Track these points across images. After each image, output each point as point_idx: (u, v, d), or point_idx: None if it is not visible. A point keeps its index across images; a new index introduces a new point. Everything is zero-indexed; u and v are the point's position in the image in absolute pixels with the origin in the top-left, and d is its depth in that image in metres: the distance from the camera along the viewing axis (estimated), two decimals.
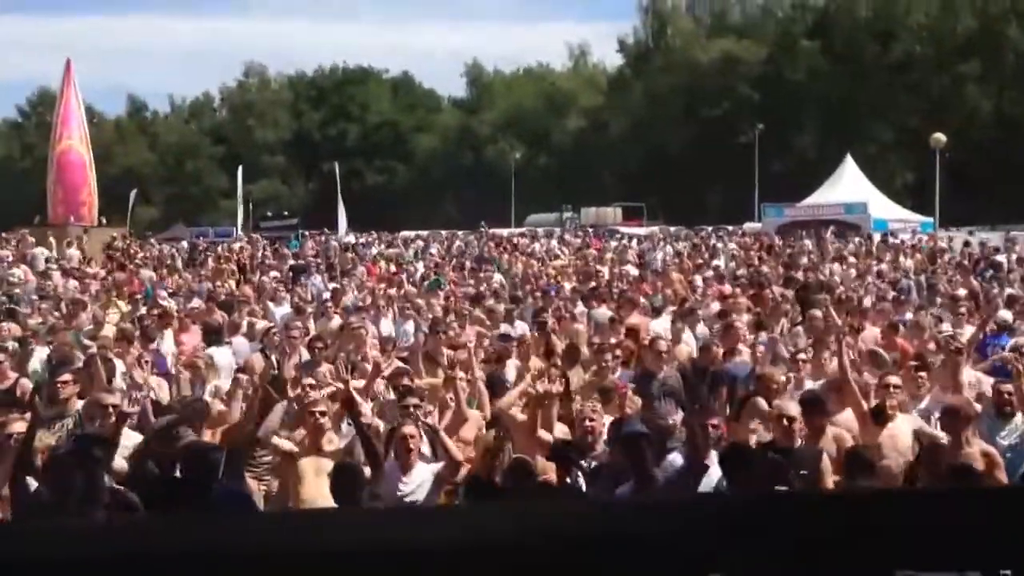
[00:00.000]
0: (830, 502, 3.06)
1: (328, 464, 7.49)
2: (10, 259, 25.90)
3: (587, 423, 7.98)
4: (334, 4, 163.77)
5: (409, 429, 7.48)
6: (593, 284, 19.01)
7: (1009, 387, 8.36)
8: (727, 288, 17.68)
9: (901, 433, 7.94)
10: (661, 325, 13.45)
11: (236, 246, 31.52)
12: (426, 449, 7.89)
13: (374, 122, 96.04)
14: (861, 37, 67.35)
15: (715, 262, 24.00)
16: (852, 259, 24.62)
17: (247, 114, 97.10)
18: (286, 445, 7.99)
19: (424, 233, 43.61)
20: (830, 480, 7.28)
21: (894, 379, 8.49)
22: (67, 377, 9.12)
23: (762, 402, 8.61)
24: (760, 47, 72.65)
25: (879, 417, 8.02)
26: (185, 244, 36.11)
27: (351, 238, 39.63)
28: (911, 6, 67.30)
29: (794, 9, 75.55)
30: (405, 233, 43.76)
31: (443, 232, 45.46)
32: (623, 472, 7.02)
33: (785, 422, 7.58)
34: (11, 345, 11.99)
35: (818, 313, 12.24)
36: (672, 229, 43.60)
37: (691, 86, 72.90)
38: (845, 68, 66.77)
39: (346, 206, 52.30)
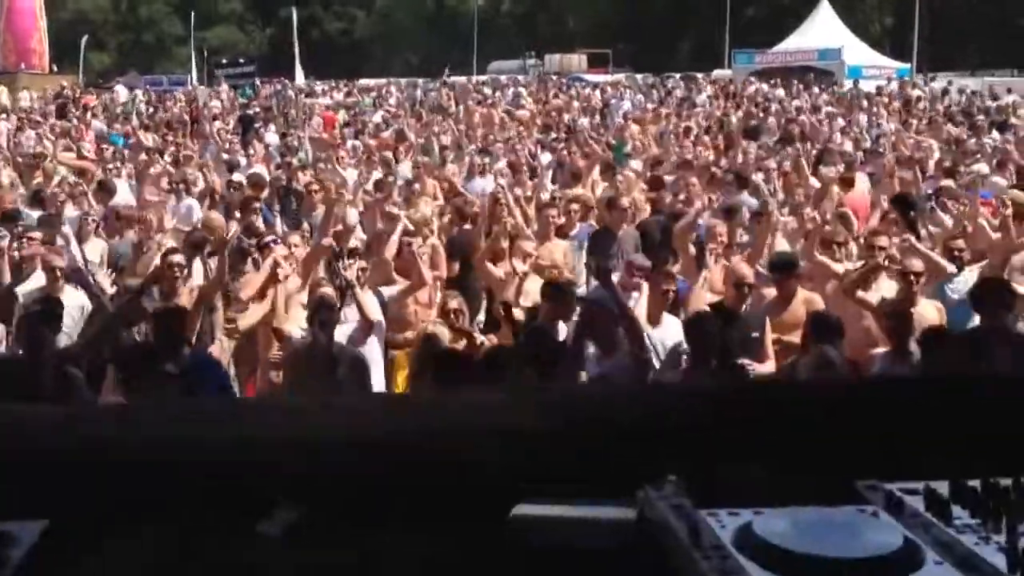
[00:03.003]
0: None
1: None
2: None
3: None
4: None
5: (325, 291, 7.32)
6: (555, 135, 18.69)
7: (960, 242, 8.37)
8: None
9: (886, 295, 7.68)
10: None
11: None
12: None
13: None
14: None
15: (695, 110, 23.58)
16: (828, 108, 24.21)
17: None
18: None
19: (382, 82, 42.57)
20: (769, 345, 7.30)
21: (881, 239, 8.23)
22: (36, 235, 9.09)
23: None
24: None
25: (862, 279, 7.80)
26: (140, 94, 35.03)
27: (319, 87, 38.64)
28: None
29: None
30: (363, 81, 42.76)
31: (402, 80, 44.56)
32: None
33: (738, 285, 7.54)
34: None
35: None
36: (639, 77, 42.76)
37: None
38: None
39: (304, 54, 51.06)
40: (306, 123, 23.17)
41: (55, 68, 38.48)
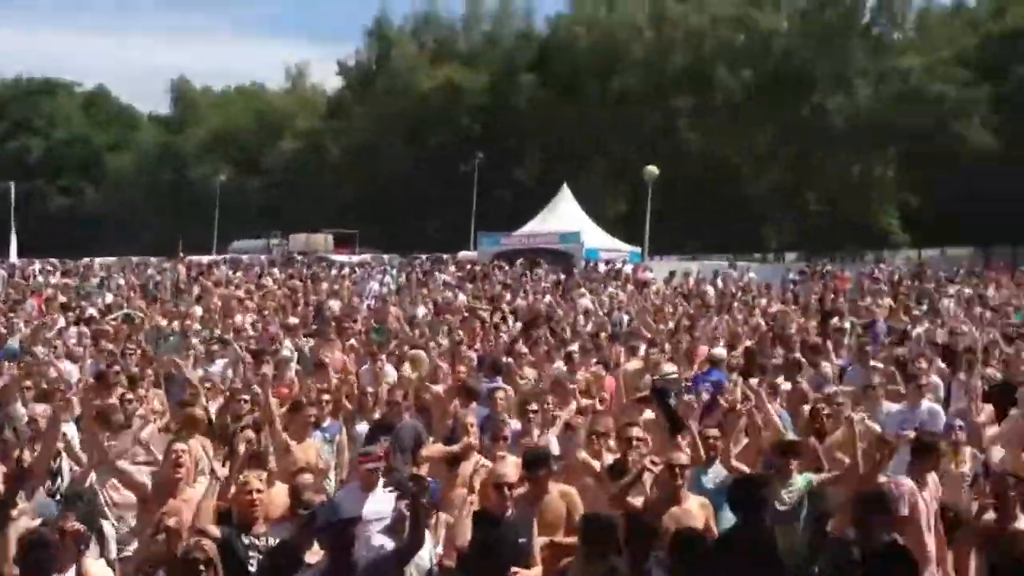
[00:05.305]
0: None
1: None
2: None
3: (249, 496, 6.92)
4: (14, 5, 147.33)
5: None
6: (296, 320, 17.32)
7: (715, 432, 8.39)
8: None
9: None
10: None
11: None
12: None
13: (61, 138, 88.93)
14: (581, 70, 67.27)
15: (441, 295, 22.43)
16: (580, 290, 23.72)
17: None
18: None
19: (111, 260, 39.70)
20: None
21: (635, 430, 8.17)
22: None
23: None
24: (483, 76, 71.77)
25: (613, 471, 7.75)
26: None
27: (36, 265, 35.05)
28: (629, 41, 67.56)
29: (517, 40, 74.92)
30: (87, 260, 39.42)
31: (134, 259, 42.65)
32: None
33: (498, 486, 7.23)
34: None
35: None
36: (386, 257, 43.05)
37: (414, 113, 71.17)
38: (565, 100, 66.66)
39: (26, 229, 47.58)
40: (20, 306, 21.18)
41: None
